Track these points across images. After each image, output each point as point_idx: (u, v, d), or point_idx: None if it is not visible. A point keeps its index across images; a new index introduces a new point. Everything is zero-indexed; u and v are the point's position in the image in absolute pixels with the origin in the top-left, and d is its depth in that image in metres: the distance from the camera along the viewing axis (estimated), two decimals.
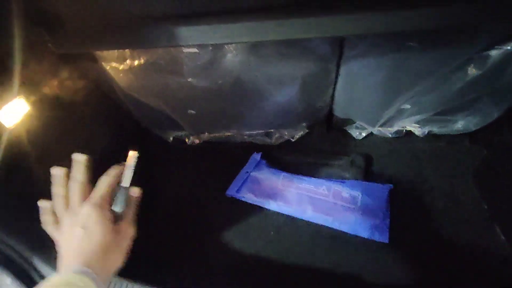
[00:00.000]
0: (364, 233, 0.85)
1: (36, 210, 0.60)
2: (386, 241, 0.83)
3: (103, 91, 0.95)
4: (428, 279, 0.74)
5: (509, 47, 0.68)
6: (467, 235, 0.80)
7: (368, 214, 0.88)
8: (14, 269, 0.60)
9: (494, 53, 0.69)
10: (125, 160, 0.65)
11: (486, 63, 0.71)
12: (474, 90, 0.79)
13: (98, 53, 0.80)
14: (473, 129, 0.95)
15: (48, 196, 0.60)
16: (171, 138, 1.20)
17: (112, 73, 0.84)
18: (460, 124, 0.96)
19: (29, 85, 0.68)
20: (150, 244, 0.85)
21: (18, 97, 0.64)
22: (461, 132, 0.99)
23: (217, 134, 1.17)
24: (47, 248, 0.62)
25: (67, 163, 0.61)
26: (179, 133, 1.19)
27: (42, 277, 0.62)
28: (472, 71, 0.74)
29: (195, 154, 1.16)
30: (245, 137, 1.15)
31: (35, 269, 0.64)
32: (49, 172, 0.60)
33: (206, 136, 1.18)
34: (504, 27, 0.65)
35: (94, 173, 0.63)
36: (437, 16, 0.57)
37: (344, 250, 0.84)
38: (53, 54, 0.71)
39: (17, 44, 0.57)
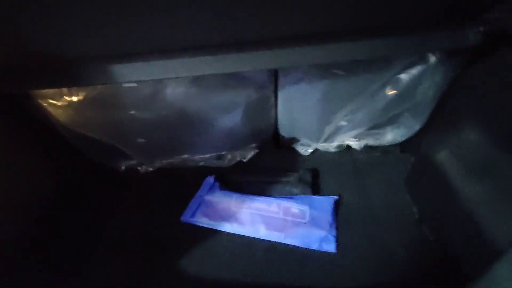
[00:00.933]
0: (313, 245, 0.90)
1: None
2: (334, 250, 0.89)
3: (39, 131, 0.91)
4: (372, 281, 0.81)
5: (415, 72, 0.79)
6: (402, 237, 0.88)
7: (316, 226, 0.94)
8: None
9: (404, 76, 0.80)
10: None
11: (400, 85, 0.82)
12: (394, 107, 0.90)
13: (36, 95, 0.78)
14: (401, 140, 1.07)
15: None
16: (123, 167, 1.18)
17: (50, 109, 0.82)
18: (390, 136, 1.07)
19: None
20: (104, 274, 0.82)
21: None
22: (392, 143, 1.10)
23: (170, 160, 1.18)
24: None
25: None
26: (131, 162, 1.17)
27: None
28: (389, 91, 0.84)
29: (148, 182, 1.15)
30: (198, 161, 1.17)
31: None
32: None
33: (158, 163, 1.18)
34: (409, 57, 0.77)
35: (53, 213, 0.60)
36: (354, 50, 0.65)
37: (297, 264, 0.87)
38: None
39: None
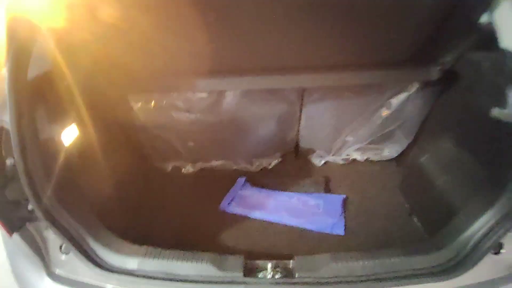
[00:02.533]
0: (326, 229, 1.14)
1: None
2: (342, 233, 1.12)
3: (123, 131, 1.21)
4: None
5: (402, 97, 1.11)
6: (396, 225, 1.12)
7: (329, 215, 1.18)
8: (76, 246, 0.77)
9: (394, 101, 1.12)
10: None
11: (391, 107, 1.14)
12: (387, 125, 1.20)
13: (130, 96, 1.11)
14: (396, 155, 1.35)
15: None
16: (170, 168, 1.45)
17: (138, 112, 1.13)
18: (387, 152, 1.36)
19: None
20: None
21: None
22: (389, 158, 1.38)
23: (208, 164, 1.45)
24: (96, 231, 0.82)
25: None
26: (177, 163, 1.45)
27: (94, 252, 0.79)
28: (383, 112, 1.16)
29: (190, 180, 1.41)
30: (232, 165, 1.44)
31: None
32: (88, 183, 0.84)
33: (199, 165, 1.45)
34: (399, 85, 1.10)
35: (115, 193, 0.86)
36: (361, 77, 0.98)
37: (313, 243, 1.09)
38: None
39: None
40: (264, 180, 1.39)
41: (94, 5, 0.78)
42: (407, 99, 1.09)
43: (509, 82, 0.70)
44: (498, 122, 0.72)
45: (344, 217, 1.18)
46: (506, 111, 0.69)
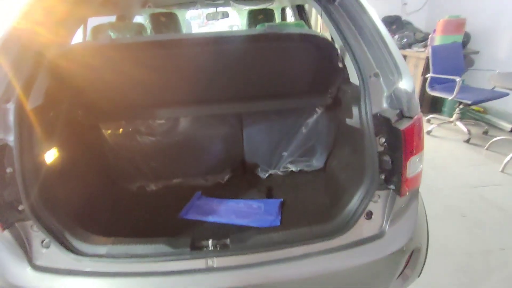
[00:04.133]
0: (265, 225, 1.41)
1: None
2: (278, 224, 1.39)
3: (94, 155, 1.45)
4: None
5: (313, 118, 1.49)
6: (319, 214, 1.41)
7: (268, 214, 1.46)
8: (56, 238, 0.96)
9: (309, 121, 1.50)
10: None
11: (308, 125, 1.51)
12: (309, 140, 1.56)
13: (101, 124, 1.37)
14: (322, 165, 1.70)
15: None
16: (135, 188, 1.67)
17: (108, 137, 1.39)
18: (315, 163, 1.71)
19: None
20: None
21: None
22: (318, 168, 1.73)
23: (169, 182, 1.70)
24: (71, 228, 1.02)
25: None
26: (141, 183, 1.68)
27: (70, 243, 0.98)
28: (304, 130, 1.52)
29: (154, 196, 1.64)
30: (189, 182, 1.70)
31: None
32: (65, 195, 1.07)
33: (161, 183, 1.69)
34: (308, 109, 1.47)
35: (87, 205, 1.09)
36: (280, 103, 1.34)
37: (256, 232, 1.34)
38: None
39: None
40: (217, 192, 1.66)
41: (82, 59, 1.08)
42: (317, 119, 1.47)
43: (352, 102, 1.08)
44: (353, 128, 1.09)
45: (280, 214, 1.47)
46: (353, 119, 1.07)
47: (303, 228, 1.05)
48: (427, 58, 3.66)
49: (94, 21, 1.64)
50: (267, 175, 1.76)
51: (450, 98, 3.24)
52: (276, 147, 1.61)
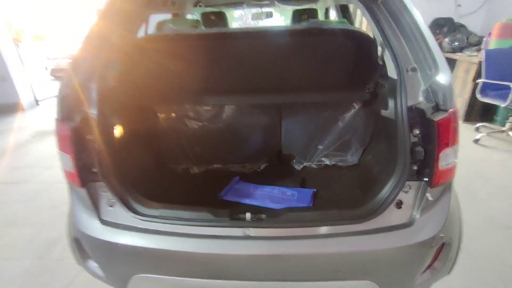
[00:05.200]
0: None
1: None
2: (311, 205, 1.47)
3: (148, 135, 1.64)
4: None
5: (351, 113, 1.54)
6: (350, 203, 1.46)
7: (301, 202, 1.54)
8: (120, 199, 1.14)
9: (346, 115, 1.55)
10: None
11: (345, 120, 1.56)
12: (345, 134, 1.62)
13: (156, 107, 1.56)
14: (357, 160, 1.74)
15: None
16: (180, 169, 1.85)
17: (161, 120, 1.58)
18: (349, 158, 1.75)
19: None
20: None
21: None
22: (352, 164, 1.77)
23: (210, 167, 1.85)
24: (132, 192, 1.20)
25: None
26: (186, 165, 1.85)
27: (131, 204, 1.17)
28: (340, 124, 1.58)
29: (197, 178, 1.80)
30: (229, 168, 1.84)
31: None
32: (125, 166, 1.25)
33: (203, 167, 1.85)
34: (346, 104, 1.53)
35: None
36: (319, 96, 1.42)
37: (289, 211, 1.41)
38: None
39: None
40: (254, 178, 1.78)
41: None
42: (354, 114, 1.53)
43: (389, 95, 1.13)
44: (388, 119, 1.14)
45: (312, 203, 1.54)
46: (388, 112, 1.11)
47: (333, 210, 1.12)
48: (480, 63, 3.46)
49: (154, 18, 1.86)
50: (301, 166, 1.84)
51: (503, 105, 3.04)
52: (312, 140, 1.68)
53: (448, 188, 1.11)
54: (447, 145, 0.97)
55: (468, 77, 3.79)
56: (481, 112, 3.90)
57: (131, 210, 1.15)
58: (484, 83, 3.24)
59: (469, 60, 3.79)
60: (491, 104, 3.30)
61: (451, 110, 0.96)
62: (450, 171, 1.04)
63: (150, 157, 1.63)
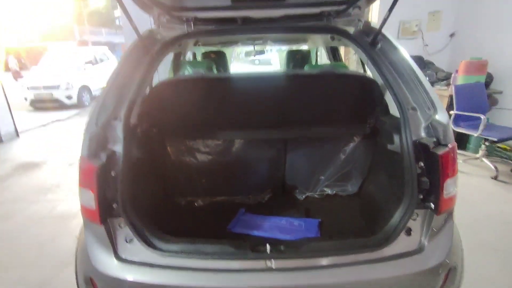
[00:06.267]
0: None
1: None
2: (319, 235, 1.52)
3: (159, 166, 1.67)
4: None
5: (352, 145, 1.66)
6: (354, 231, 1.52)
7: (308, 232, 1.59)
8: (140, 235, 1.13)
9: (347, 148, 1.67)
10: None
11: (346, 152, 1.67)
12: (346, 166, 1.72)
13: (167, 141, 1.60)
14: (357, 190, 1.84)
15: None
16: (185, 202, 1.86)
17: (171, 153, 1.61)
18: (350, 187, 1.85)
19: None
20: None
21: None
22: (352, 193, 1.86)
23: (214, 199, 1.87)
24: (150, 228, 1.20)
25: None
26: (190, 198, 1.86)
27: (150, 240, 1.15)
28: (342, 156, 1.69)
29: (202, 210, 1.81)
30: (233, 200, 1.87)
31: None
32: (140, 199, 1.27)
33: (208, 200, 1.87)
34: (348, 137, 1.65)
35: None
36: (323, 131, 1.54)
37: (307, 241, 1.44)
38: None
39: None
40: (259, 209, 1.81)
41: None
42: (355, 147, 1.65)
43: (392, 130, 1.26)
44: (393, 152, 1.26)
45: (320, 233, 1.59)
46: (393, 145, 1.23)
47: (349, 239, 1.19)
48: (450, 96, 3.81)
49: None
50: (304, 196, 1.90)
51: (475, 135, 3.33)
52: (315, 171, 1.78)
53: (450, 215, 1.21)
54: (449, 175, 1.09)
55: None
56: (455, 140, 4.22)
57: (150, 245, 1.15)
58: (456, 114, 3.55)
59: (441, 93, 4.15)
60: (463, 133, 3.60)
61: (451, 144, 1.09)
62: (453, 198, 1.15)
63: (160, 190, 1.64)
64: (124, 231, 1.17)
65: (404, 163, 1.15)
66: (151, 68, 1.31)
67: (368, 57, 1.29)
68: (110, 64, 9.56)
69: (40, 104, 8.28)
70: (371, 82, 1.32)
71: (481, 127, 3.23)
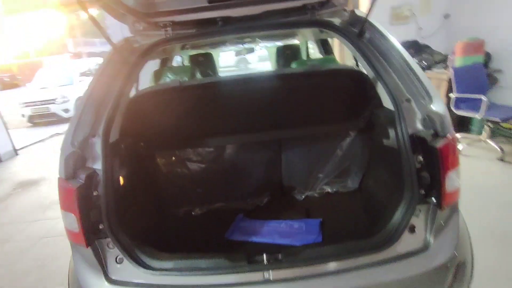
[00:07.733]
0: (308, 242, 1.48)
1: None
2: (320, 241, 1.45)
3: (150, 180, 1.61)
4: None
5: (347, 142, 1.59)
6: (357, 232, 1.46)
7: (309, 234, 1.53)
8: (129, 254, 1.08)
9: (344, 144, 1.60)
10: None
11: (343, 148, 1.61)
12: (344, 161, 1.66)
13: (157, 154, 1.54)
14: (357, 185, 1.77)
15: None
16: (181, 212, 1.81)
17: (162, 166, 1.56)
18: (350, 183, 1.78)
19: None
20: None
21: None
22: (353, 189, 1.79)
23: (212, 206, 1.82)
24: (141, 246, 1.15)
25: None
26: (187, 208, 1.81)
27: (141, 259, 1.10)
28: (339, 152, 1.62)
29: (200, 219, 1.76)
30: (231, 206, 1.81)
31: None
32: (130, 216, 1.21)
33: (205, 208, 1.81)
34: (343, 133, 1.59)
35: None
36: (317, 129, 1.47)
37: (304, 247, 1.39)
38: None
39: None
40: (257, 214, 1.76)
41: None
42: (351, 141, 1.58)
43: (387, 125, 1.18)
44: (390, 148, 1.19)
45: (321, 233, 1.53)
46: (389, 140, 1.16)
47: (350, 242, 1.12)
48: (449, 79, 3.71)
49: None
50: (303, 196, 1.84)
51: (478, 117, 3.24)
52: (312, 169, 1.71)
53: (455, 208, 1.14)
54: (450, 168, 1.02)
55: (441, 93, 4.04)
56: (457, 124, 4.12)
57: (141, 265, 1.09)
58: (456, 97, 3.46)
59: (439, 77, 4.06)
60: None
61: (449, 135, 1.02)
62: (456, 192, 1.08)
63: (151, 205, 1.59)
64: (114, 252, 1.12)
65: (402, 159, 1.09)
66: (129, 79, 1.25)
67: (357, 48, 1.21)
68: None
69: (38, 120, 8.27)
70: (360, 74, 1.25)
71: (483, 107, 3.14)
